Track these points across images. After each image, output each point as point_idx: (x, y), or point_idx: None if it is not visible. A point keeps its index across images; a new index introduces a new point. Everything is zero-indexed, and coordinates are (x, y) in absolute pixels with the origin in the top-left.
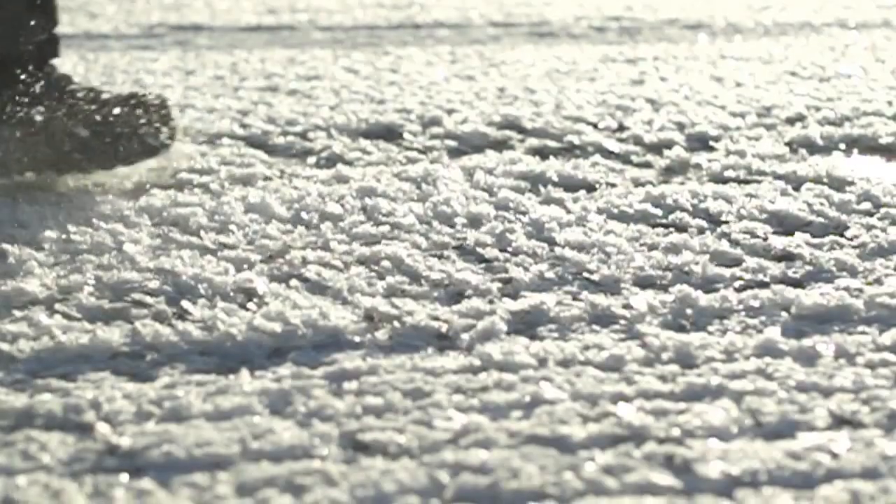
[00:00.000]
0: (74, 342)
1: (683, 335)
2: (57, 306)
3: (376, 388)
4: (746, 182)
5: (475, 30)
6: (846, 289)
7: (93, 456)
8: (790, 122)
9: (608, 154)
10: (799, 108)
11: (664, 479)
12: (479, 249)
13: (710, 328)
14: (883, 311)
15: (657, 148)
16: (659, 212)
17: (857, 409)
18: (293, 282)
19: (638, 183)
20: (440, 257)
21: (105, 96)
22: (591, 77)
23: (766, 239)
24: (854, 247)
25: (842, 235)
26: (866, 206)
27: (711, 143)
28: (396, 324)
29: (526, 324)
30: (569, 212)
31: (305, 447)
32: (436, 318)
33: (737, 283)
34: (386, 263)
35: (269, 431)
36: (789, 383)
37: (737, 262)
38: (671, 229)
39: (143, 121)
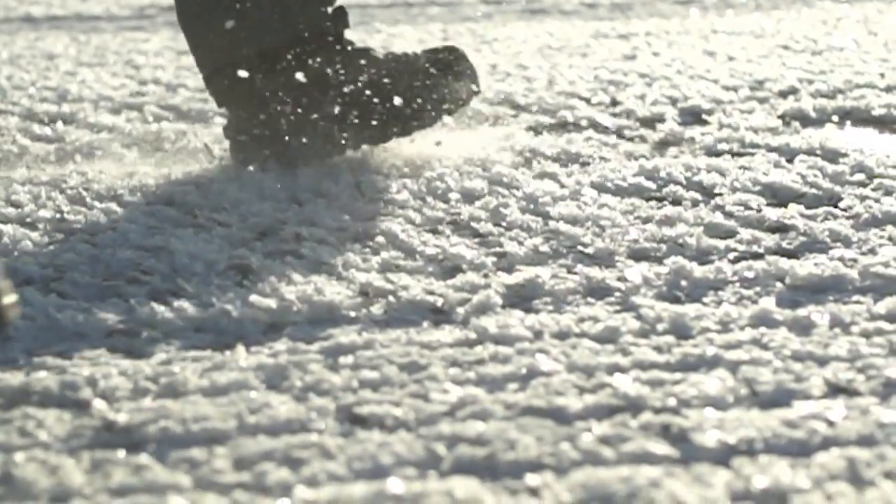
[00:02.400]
0: (70, 320)
1: (678, 306)
2: (52, 285)
3: (372, 362)
4: (740, 155)
5: (467, 7)
6: (840, 259)
7: (90, 432)
8: (783, 95)
9: (601, 129)
10: (791, 82)
11: (661, 448)
12: (473, 224)
13: (705, 299)
14: (877, 281)
15: (650, 122)
16: (652, 185)
17: (852, 377)
18: (288, 258)
19: (631, 157)
20: (434, 232)
21: (410, 56)
22: (584, 53)
23: (759, 211)
24: (848, 217)
25: (836, 206)
26: (860, 177)
27: (704, 116)
28: (391, 298)
29: (521, 297)
30: (563, 186)
31: (302, 421)
32: (431, 293)
33: (731, 255)
34: (380, 239)
35: (266, 406)
36: (785, 353)
37: (731, 234)
38: (665, 202)
39: (448, 80)
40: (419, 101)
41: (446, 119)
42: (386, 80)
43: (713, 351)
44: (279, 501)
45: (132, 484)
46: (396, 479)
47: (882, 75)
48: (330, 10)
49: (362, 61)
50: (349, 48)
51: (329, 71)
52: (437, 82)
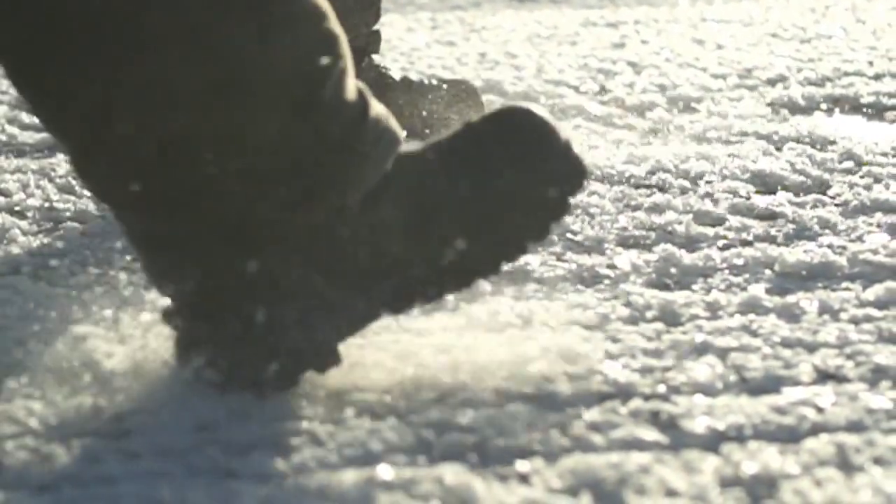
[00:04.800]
0: (60, 308)
1: (668, 293)
2: (41, 273)
3: (363, 348)
4: (728, 142)
5: None
6: (829, 246)
7: (80, 420)
8: (771, 82)
9: (591, 117)
10: (780, 69)
11: (650, 434)
12: None
13: (695, 286)
14: (866, 268)
15: (639, 110)
16: (642, 173)
17: (841, 363)
18: None
19: (620, 144)
20: None
21: (425, 85)
22: (573, 41)
23: (748, 198)
24: (836, 205)
25: (824, 194)
26: (848, 164)
27: (693, 104)
28: None
29: (511, 284)
30: None
31: (293, 408)
32: None
33: (720, 242)
34: None
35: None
36: (774, 339)
37: (720, 222)
38: (654, 190)
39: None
40: (426, 132)
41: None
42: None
43: (702, 338)
44: (270, 489)
45: (122, 471)
46: (386, 465)
47: (870, 63)
48: (367, 31)
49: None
50: (373, 72)
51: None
52: (446, 115)
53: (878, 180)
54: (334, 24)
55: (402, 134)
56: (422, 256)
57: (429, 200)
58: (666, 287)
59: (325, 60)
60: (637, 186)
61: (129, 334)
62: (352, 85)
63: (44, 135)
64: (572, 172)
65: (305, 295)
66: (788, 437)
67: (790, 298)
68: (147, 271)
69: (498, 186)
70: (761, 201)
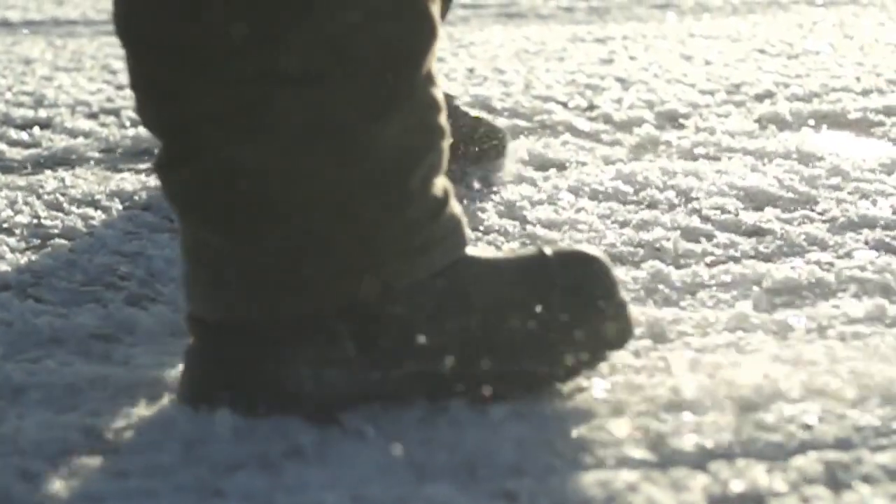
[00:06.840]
0: (47, 326)
1: (656, 310)
2: (29, 290)
3: None
4: (716, 158)
5: None
6: (817, 262)
7: (68, 438)
8: (759, 98)
9: (578, 133)
10: (768, 85)
11: (638, 453)
12: None
13: (683, 303)
14: (853, 284)
15: (627, 126)
16: (630, 189)
17: (828, 380)
18: None
19: (608, 161)
20: None
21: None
22: (561, 57)
23: (736, 214)
24: (824, 221)
25: (812, 210)
26: (836, 180)
27: (681, 120)
28: None
29: None
30: (540, 190)
31: (282, 428)
32: None
33: (708, 259)
34: None
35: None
36: (762, 356)
37: (708, 238)
38: (642, 206)
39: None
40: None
41: None
42: None
43: (690, 354)
44: None
45: (110, 490)
46: (376, 485)
47: (858, 79)
48: None
49: None
50: None
51: None
52: (473, 127)
53: (865, 196)
54: (442, 119)
55: (470, 238)
56: (441, 359)
57: (474, 305)
58: (654, 304)
59: (422, 150)
60: (625, 203)
61: (117, 352)
62: (439, 182)
63: (32, 151)
64: (621, 330)
65: (325, 343)
66: (776, 454)
67: (778, 315)
68: (188, 284)
69: (549, 320)
70: (749, 217)
